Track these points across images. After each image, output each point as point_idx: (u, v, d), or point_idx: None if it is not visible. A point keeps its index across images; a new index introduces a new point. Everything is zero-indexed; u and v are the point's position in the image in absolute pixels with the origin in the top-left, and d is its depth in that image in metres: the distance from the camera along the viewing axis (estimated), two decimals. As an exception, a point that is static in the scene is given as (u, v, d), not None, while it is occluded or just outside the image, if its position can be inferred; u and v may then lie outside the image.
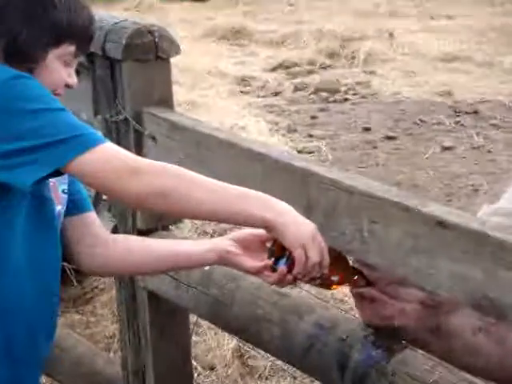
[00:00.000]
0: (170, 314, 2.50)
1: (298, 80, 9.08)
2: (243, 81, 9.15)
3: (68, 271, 3.81)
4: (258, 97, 8.65)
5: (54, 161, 1.70)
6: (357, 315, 2.04)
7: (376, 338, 1.88)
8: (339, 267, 1.88)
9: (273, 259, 1.82)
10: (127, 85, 2.36)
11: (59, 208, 1.96)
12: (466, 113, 7.80)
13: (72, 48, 1.86)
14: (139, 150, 2.38)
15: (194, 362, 4.13)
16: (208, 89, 8.69)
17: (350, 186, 1.83)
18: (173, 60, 2.42)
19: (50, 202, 1.91)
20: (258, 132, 7.21)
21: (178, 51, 2.38)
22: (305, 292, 3.18)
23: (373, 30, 10.72)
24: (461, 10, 12.16)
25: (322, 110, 8.06)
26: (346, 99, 8.36)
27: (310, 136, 7.29)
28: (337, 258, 1.88)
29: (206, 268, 2.25)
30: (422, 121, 7.58)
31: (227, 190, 1.79)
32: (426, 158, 6.73)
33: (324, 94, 8.44)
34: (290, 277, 1.79)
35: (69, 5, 1.84)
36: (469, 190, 6.10)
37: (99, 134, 1.81)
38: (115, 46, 2.32)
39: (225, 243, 1.91)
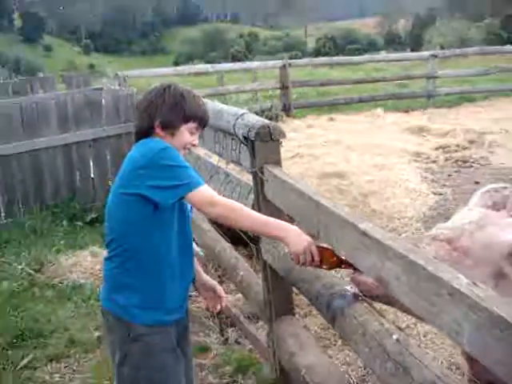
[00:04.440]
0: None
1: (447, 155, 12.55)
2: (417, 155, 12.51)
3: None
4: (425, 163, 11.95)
5: (179, 193, 2.81)
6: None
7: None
8: (329, 261, 2.88)
9: None
10: (257, 154, 3.86)
11: (190, 207, 3.15)
12: None
13: (194, 125, 3.01)
14: (261, 191, 3.92)
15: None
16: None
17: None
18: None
19: (185, 206, 3.09)
20: (414, 180, 10.39)
21: (283, 137, 3.91)
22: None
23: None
24: None
25: (456, 171, 11.26)
26: (471, 166, 11.58)
27: (444, 186, 10.16)
28: (330, 254, 2.84)
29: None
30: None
31: (264, 221, 2.85)
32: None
33: (460, 163, 11.88)
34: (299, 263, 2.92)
35: (193, 102, 2.98)
36: None
37: (201, 181, 2.84)
38: (253, 133, 3.86)
39: None
